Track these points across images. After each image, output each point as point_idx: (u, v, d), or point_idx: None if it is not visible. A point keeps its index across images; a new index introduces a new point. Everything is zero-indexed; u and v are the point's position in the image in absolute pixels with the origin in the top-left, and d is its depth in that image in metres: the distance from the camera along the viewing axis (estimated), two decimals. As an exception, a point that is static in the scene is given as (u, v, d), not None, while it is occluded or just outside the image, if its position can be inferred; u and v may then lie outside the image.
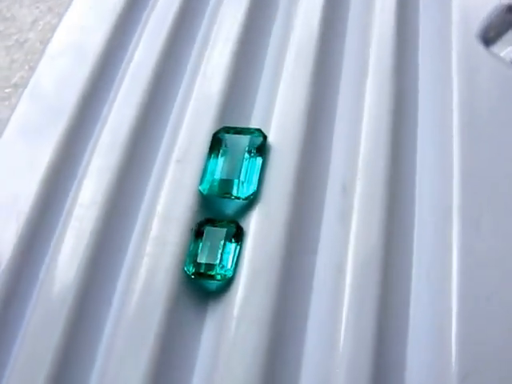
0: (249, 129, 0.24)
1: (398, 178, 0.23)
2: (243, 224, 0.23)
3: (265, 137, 0.24)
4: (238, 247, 0.22)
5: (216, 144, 0.24)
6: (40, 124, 0.25)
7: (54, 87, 0.26)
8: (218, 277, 0.21)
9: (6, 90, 0.32)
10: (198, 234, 0.22)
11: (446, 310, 0.20)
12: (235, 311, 0.21)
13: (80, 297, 0.21)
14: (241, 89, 0.26)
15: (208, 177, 0.23)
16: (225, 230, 0.22)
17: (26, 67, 0.33)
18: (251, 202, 0.23)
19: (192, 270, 0.21)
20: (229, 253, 0.22)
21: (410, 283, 0.21)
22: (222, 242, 0.22)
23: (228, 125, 0.25)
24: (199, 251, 0.22)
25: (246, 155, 0.23)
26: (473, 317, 0.20)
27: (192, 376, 0.21)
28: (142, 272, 0.22)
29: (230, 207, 0.23)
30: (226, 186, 0.23)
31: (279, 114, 0.25)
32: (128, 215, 0.23)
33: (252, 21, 0.28)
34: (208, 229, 0.22)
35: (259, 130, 0.24)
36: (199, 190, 0.23)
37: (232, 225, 0.22)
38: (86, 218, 0.23)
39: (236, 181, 0.23)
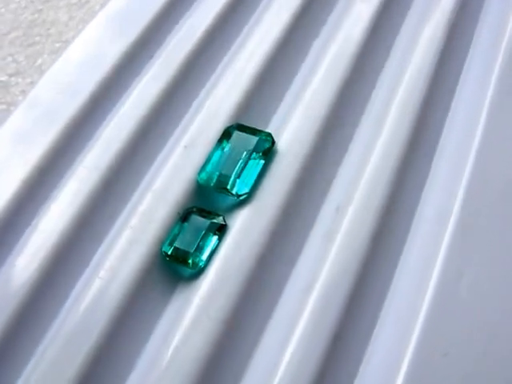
0: (260, 131, 0.24)
1: (392, 217, 0.23)
2: (229, 220, 0.23)
3: (273, 142, 0.24)
4: (218, 241, 0.22)
5: (224, 138, 0.24)
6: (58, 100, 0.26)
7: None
8: (190, 264, 0.22)
9: (57, 45, 0.34)
10: (183, 219, 0.23)
11: (399, 361, 0.20)
12: (196, 302, 0.21)
13: (60, 252, 0.22)
14: (266, 92, 0.27)
15: (208, 168, 0.24)
16: (209, 221, 0.22)
17: (80, 26, 0.34)
18: (243, 201, 0.23)
19: (168, 251, 0.22)
20: (208, 244, 0.22)
21: (373, 321, 0.21)
22: (203, 233, 0.22)
23: (244, 123, 0.25)
24: (179, 236, 0.22)
25: (250, 155, 0.24)
26: (425, 372, 0.20)
27: (140, 354, 0.21)
28: (122, 242, 0.22)
29: (222, 201, 0.23)
30: (222, 180, 0.23)
31: (295, 125, 0.25)
32: (125, 187, 0.24)
33: (295, 28, 0.28)
34: (193, 217, 0.23)
35: (269, 135, 0.24)
36: (197, 179, 0.24)
37: (218, 218, 0.22)
38: (86, 180, 0.24)
39: (233, 177, 0.23)
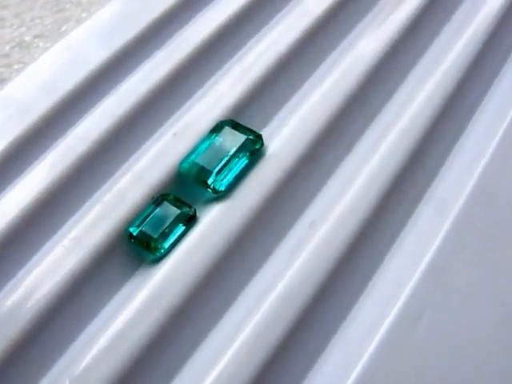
0: (251, 131, 0.24)
1: (365, 245, 0.22)
2: (202, 213, 0.23)
3: (262, 144, 0.24)
4: (184, 232, 0.22)
5: (215, 131, 0.24)
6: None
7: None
8: (152, 250, 0.22)
9: (84, 14, 0.34)
10: (156, 204, 0.23)
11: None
12: (150, 289, 0.21)
13: (30, 217, 0.22)
14: (269, 95, 0.26)
15: (191, 158, 0.23)
16: (179, 211, 0.22)
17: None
18: (220, 197, 0.23)
19: (134, 232, 0.22)
20: (173, 233, 0.22)
21: (321, 345, 0.21)
22: (171, 221, 0.22)
23: (239, 121, 0.25)
24: (148, 220, 0.22)
25: (236, 153, 0.23)
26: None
27: (80, 333, 0.21)
28: (92, 215, 0.22)
29: (200, 193, 0.23)
30: (203, 173, 0.23)
31: (289, 133, 0.25)
32: (108, 164, 0.24)
33: (312, 37, 0.28)
34: (165, 203, 0.22)
35: (259, 136, 0.24)
36: (179, 167, 0.23)
37: (189, 209, 0.22)
38: (72, 149, 0.24)
39: (214, 172, 0.23)
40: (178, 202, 0.23)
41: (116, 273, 0.22)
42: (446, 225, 0.22)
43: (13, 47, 0.33)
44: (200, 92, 0.26)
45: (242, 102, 0.26)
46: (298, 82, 0.27)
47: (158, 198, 0.23)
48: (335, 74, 0.26)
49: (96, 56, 0.26)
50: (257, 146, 0.24)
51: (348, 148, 0.25)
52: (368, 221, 0.22)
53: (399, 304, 0.21)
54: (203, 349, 0.20)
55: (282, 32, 0.28)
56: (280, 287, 0.21)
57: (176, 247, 0.22)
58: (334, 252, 0.22)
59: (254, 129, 0.25)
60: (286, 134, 0.25)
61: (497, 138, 0.25)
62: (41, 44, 0.32)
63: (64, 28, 0.33)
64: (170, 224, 0.22)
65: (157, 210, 0.22)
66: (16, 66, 0.32)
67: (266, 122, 0.26)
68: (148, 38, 0.28)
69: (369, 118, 0.26)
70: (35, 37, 0.33)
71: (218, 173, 0.23)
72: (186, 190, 0.24)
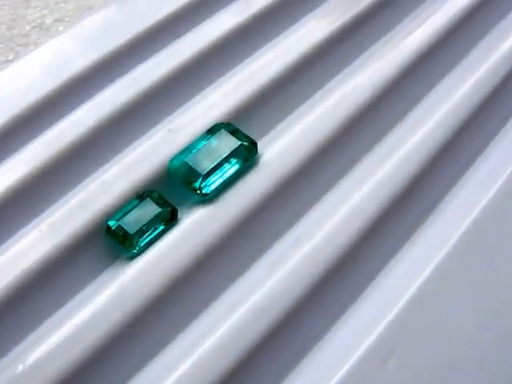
0: (247, 137, 0.23)
1: (346, 271, 0.21)
2: (184, 214, 0.22)
3: (256, 152, 0.23)
4: (163, 231, 0.21)
5: (210, 133, 0.23)
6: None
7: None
8: (127, 246, 0.21)
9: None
10: (139, 200, 0.22)
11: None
12: (117, 284, 0.20)
13: (12, 198, 0.22)
14: (273, 104, 0.26)
15: (182, 157, 0.23)
16: (160, 209, 0.22)
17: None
18: (206, 201, 0.22)
19: (112, 226, 0.21)
20: (152, 232, 0.21)
21: (285, 370, 0.20)
22: (150, 218, 0.21)
23: (238, 126, 0.24)
24: (128, 215, 0.22)
25: (228, 157, 0.23)
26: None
27: (49, 316, 0.20)
28: (73, 203, 0.22)
29: (185, 193, 0.23)
30: (190, 174, 0.22)
31: (287, 145, 0.24)
32: (99, 154, 0.24)
33: (327, 51, 0.27)
34: (148, 200, 0.22)
35: (254, 144, 0.23)
36: (168, 164, 0.23)
37: (170, 209, 0.22)
38: (62, 135, 0.23)
39: (202, 175, 0.22)
40: (161, 200, 0.22)
41: (88, 265, 0.21)
42: (434, 262, 0.21)
43: (33, 28, 0.33)
44: (203, 93, 0.26)
45: (243, 108, 0.25)
46: (303, 97, 0.26)
47: (143, 194, 0.22)
48: (340, 94, 0.25)
49: (103, 46, 0.26)
50: (251, 154, 0.23)
51: (344, 170, 0.24)
52: (354, 246, 0.21)
53: (373, 337, 0.20)
54: (162, 355, 0.20)
55: (294, 44, 0.27)
56: (253, 301, 0.20)
57: (153, 246, 0.21)
58: (315, 272, 0.21)
59: (252, 137, 0.24)
60: (283, 146, 0.24)
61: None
62: (60, 28, 0.32)
63: (84, 15, 0.33)
64: (149, 222, 0.21)
65: (138, 206, 0.22)
66: (32, 47, 0.32)
67: (264, 131, 0.25)
68: (159, 32, 0.27)
69: (368, 143, 0.25)
70: (56, 20, 0.33)
71: (206, 176, 0.22)
72: (173, 189, 0.23)
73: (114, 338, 0.19)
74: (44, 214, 0.22)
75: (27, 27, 0.33)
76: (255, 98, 0.25)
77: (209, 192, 0.22)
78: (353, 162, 0.24)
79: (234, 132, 0.23)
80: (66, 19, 0.33)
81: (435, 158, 0.24)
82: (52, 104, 0.24)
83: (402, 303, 0.20)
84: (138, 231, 0.21)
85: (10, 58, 0.32)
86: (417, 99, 0.27)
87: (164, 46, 0.27)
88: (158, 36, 0.27)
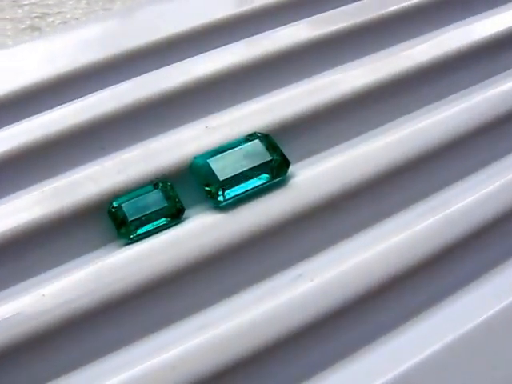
0: (281, 154, 0.22)
1: (340, 323, 0.19)
2: (191, 215, 0.21)
3: (285, 172, 0.21)
4: (164, 226, 0.20)
5: (246, 140, 0.22)
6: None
7: None
8: (122, 231, 0.20)
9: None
10: (153, 188, 0.21)
11: None
12: (98, 267, 0.19)
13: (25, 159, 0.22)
14: (324, 128, 0.24)
15: (208, 156, 0.21)
16: (166, 204, 0.20)
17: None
18: (219, 208, 0.21)
19: (112, 208, 0.20)
20: (151, 223, 0.20)
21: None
22: (153, 210, 0.20)
23: (279, 142, 0.22)
24: (134, 200, 0.20)
25: (253, 169, 0.21)
26: None
27: (27, 277, 0.20)
28: (85, 174, 0.21)
29: (200, 195, 0.21)
30: (209, 177, 0.21)
31: (323, 175, 0.22)
32: (126, 133, 0.23)
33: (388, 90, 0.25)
34: (157, 192, 0.21)
35: (286, 163, 0.21)
36: (192, 160, 0.22)
37: (176, 207, 0.20)
38: (97, 105, 0.23)
39: (219, 181, 0.21)
40: (171, 195, 0.21)
41: (80, 240, 0.20)
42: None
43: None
44: (256, 98, 0.24)
45: (291, 125, 0.23)
46: (359, 129, 0.24)
47: (158, 184, 0.21)
48: (400, 135, 0.23)
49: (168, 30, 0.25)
50: (279, 172, 0.21)
51: (373, 218, 0.21)
52: (354, 302, 0.19)
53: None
54: (117, 354, 0.18)
55: (368, 71, 0.25)
56: (224, 328, 0.18)
57: (149, 238, 0.20)
58: (304, 316, 0.19)
59: (290, 156, 0.22)
60: (319, 175, 0.22)
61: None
62: (97, 8, 0.32)
63: (108, 6, 0.32)
64: (151, 213, 0.20)
65: (147, 195, 0.21)
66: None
67: (306, 154, 0.23)
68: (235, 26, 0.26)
69: (410, 198, 0.22)
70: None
71: (225, 182, 0.21)
72: (190, 187, 0.22)
73: (71, 320, 0.18)
74: (51, 179, 0.21)
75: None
76: (306, 117, 0.23)
77: (223, 200, 0.21)
78: (386, 212, 0.22)
79: (270, 145, 0.22)
80: (91, 10, 0.32)
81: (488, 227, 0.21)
82: (99, 71, 0.24)
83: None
84: (137, 219, 0.20)
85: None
86: (485, 161, 0.24)
87: (231, 41, 0.26)
88: (236, 29, 0.26)
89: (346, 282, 0.19)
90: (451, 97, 0.24)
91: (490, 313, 0.19)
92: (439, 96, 0.25)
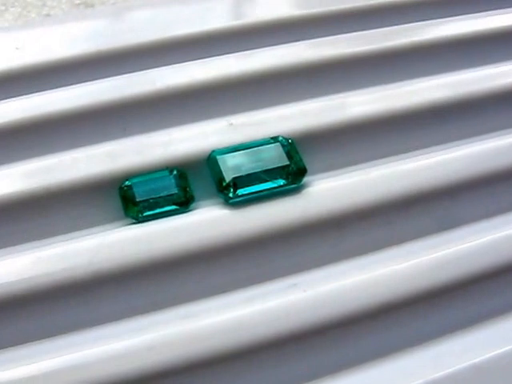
0: (298, 161, 0.21)
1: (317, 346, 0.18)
2: (200, 207, 0.21)
3: (300, 179, 0.21)
4: (171, 212, 0.20)
5: (268, 142, 0.22)
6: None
7: None
8: (128, 210, 0.20)
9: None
10: (167, 174, 0.21)
11: None
12: (97, 242, 0.19)
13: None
14: (354, 144, 0.23)
15: (227, 151, 0.21)
16: (176, 191, 0.20)
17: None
18: (228, 204, 0.21)
19: (123, 187, 0.21)
20: (158, 208, 0.20)
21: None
22: (162, 195, 0.20)
23: (303, 150, 0.22)
24: (147, 182, 0.21)
25: (268, 172, 0.21)
26: None
27: (30, 239, 0.20)
28: (103, 150, 0.22)
29: (213, 189, 0.21)
30: (224, 171, 0.21)
31: (338, 190, 0.21)
32: (152, 118, 0.23)
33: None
34: (171, 178, 0.21)
35: (302, 172, 0.21)
36: (210, 153, 0.22)
37: (185, 196, 0.21)
38: (137, 85, 0.23)
39: (232, 177, 0.21)
40: (183, 184, 0.21)
41: (88, 213, 0.21)
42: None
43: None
44: (290, 104, 0.24)
45: (317, 135, 0.23)
46: (378, 153, 0.23)
47: (173, 171, 0.21)
48: (414, 166, 0.22)
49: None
50: (294, 179, 0.21)
51: (378, 243, 0.21)
52: (339, 322, 0.18)
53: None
54: (101, 328, 0.18)
55: (403, 97, 0.24)
56: (211, 323, 0.18)
57: (153, 221, 0.20)
58: (288, 325, 0.18)
59: (311, 166, 0.22)
60: (332, 190, 0.21)
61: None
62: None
63: None
64: (160, 198, 0.20)
65: (160, 179, 0.21)
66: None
67: (326, 167, 0.23)
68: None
69: (419, 230, 0.21)
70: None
71: (237, 180, 0.21)
72: (205, 180, 0.22)
73: (60, 287, 0.18)
74: (71, 150, 0.22)
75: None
76: (334, 130, 0.23)
77: (232, 196, 0.21)
78: (396, 241, 0.21)
79: (290, 151, 0.22)
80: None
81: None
82: (140, 53, 0.24)
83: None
84: (145, 201, 0.20)
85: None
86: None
87: (271, 44, 0.26)
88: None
89: (337, 300, 0.18)
90: (474, 138, 0.24)
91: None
92: (462, 134, 0.24)
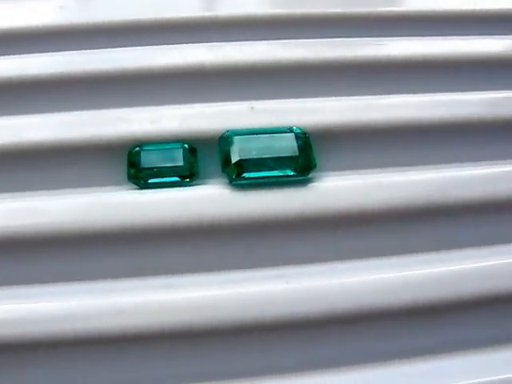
0: (309, 157, 0.21)
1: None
2: (204, 184, 0.21)
3: (306, 173, 0.21)
4: (174, 183, 0.20)
5: (286, 131, 0.22)
6: None
7: None
8: (130, 175, 0.21)
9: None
10: (178, 147, 0.21)
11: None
12: (92, 201, 0.20)
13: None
14: (378, 147, 0.23)
15: (240, 132, 0.21)
16: (181, 164, 0.21)
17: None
18: (233, 185, 0.21)
19: (133, 151, 0.21)
20: (163, 177, 0.20)
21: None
22: (166, 165, 0.21)
23: (321, 145, 0.22)
24: (156, 151, 0.21)
25: (276, 159, 0.21)
26: None
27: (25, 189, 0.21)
28: (120, 115, 0.22)
29: (220, 168, 0.21)
30: (231, 153, 0.21)
31: (348, 190, 0.21)
32: (177, 91, 0.23)
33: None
34: (178, 150, 0.21)
35: (311, 162, 0.21)
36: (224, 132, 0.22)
37: (189, 170, 0.21)
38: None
39: (237, 159, 0.20)
40: (191, 158, 0.21)
41: (94, 172, 0.21)
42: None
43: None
44: (313, 98, 0.24)
45: (336, 132, 0.22)
46: (395, 161, 0.22)
47: (184, 144, 0.21)
48: (431, 177, 0.21)
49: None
50: (303, 171, 0.21)
51: (378, 250, 0.20)
52: (315, 322, 0.18)
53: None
54: (81, 284, 0.19)
55: (431, 106, 0.23)
56: (187, 298, 0.18)
57: (154, 190, 0.20)
58: (261, 314, 0.18)
59: (325, 164, 0.22)
60: (339, 189, 0.21)
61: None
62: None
63: None
64: (164, 168, 0.20)
65: (168, 150, 0.21)
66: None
67: (340, 166, 0.22)
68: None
69: (417, 245, 0.20)
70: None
71: (242, 162, 0.20)
72: (213, 158, 0.22)
73: (50, 239, 0.19)
74: (90, 111, 0.22)
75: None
76: (355, 130, 0.23)
77: (235, 177, 0.20)
78: (399, 251, 0.20)
79: (303, 143, 0.21)
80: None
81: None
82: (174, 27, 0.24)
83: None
84: (148, 168, 0.20)
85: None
86: None
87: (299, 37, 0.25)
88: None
89: (317, 298, 0.18)
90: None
91: None
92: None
